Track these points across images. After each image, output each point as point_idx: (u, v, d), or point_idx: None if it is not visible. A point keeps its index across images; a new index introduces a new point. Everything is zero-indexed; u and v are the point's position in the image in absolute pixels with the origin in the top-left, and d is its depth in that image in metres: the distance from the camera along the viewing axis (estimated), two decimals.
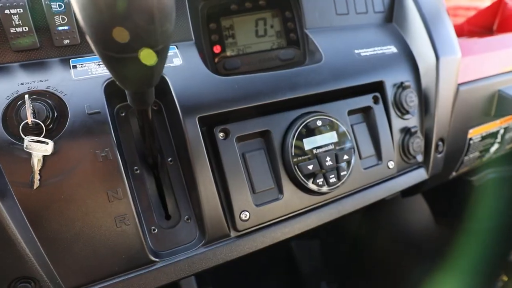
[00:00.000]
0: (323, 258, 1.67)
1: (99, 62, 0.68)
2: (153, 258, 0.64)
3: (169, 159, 0.71)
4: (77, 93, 0.62)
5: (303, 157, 0.73)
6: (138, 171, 0.69)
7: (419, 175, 0.94)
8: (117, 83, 0.42)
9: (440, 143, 0.94)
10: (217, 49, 0.85)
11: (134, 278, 0.62)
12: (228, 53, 0.86)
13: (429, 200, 1.58)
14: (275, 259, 1.66)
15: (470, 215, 1.51)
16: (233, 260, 0.69)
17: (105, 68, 0.67)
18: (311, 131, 0.75)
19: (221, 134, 0.69)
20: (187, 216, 0.70)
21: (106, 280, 0.61)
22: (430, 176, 0.96)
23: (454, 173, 1.13)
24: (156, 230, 0.68)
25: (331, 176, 0.75)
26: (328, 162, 0.75)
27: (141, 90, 0.44)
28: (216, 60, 0.85)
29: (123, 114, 0.70)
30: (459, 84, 0.97)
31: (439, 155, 0.95)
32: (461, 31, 1.35)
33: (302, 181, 0.73)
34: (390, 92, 0.88)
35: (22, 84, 0.60)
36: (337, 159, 0.76)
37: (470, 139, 1.07)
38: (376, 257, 1.62)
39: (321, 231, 1.67)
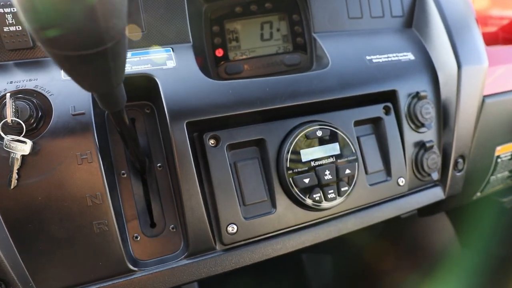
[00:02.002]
0: (335, 274, 1.59)
1: None
2: (131, 267, 0.61)
3: (158, 165, 0.68)
4: (64, 93, 0.60)
5: (299, 170, 0.68)
6: (125, 175, 0.66)
7: (435, 194, 0.85)
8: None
9: (460, 160, 0.85)
10: (219, 52, 0.82)
11: (110, 286, 0.60)
12: (231, 57, 0.82)
13: (454, 219, 1.46)
14: (284, 271, 1.60)
15: (499, 240, 1.38)
16: (218, 274, 0.65)
17: None
18: (310, 142, 0.70)
19: (211, 141, 0.66)
20: (172, 225, 0.67)
21: (81, 286, 0.58)
22: (449, 196, 0.88)
23: (479, 194, 1.02)
24: (139, 238, 0.65)
25: (329, 191, 0.69)
26: (327, 176, 0.69)
27: (103, 91, 0.41)
28: (218, 64, 0.82)
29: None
30: (485, 96, 0.88)
31: (458, 174, 0.86)
32: (495, 39, 1.24)
33: (297, 195, 0.67)
34: (403, 103, 0.81)
35: (11, 82, 0.59)
36: (337, 173, 0.70)
37: (498, 157, 0.97)
38: (392, 279, 1.52)
39: (333, 246, 1.59)
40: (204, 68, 0.79)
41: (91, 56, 0.33)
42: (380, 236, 1.54)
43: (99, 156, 0.59)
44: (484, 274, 1.42)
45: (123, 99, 0.46)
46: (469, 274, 1.41)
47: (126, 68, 0.67)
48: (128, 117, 0.69)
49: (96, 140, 0.59)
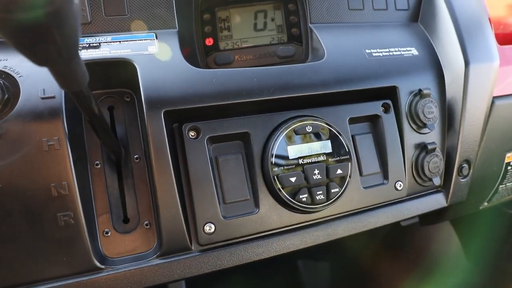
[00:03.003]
0: (332, 282, 1.52)
1: None
2: (98, 265, 0.56)
3: (135, 156, 0.64)
4: (34, 75, 0.57)
5: (285, 168, 0.63)
6: (98, 166, 0.62)
7: (436, 201, 0.79)
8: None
9: (465, 165, 0.79)
10: (209, 42, 0.78)
11: (73, 284, 0.55)
12: (222, 47, 0.78)
13: (460, 230, 1.38)
14: (280, 278, 1.54)
15: (508, 254, 1.29)
16: (192, 277, 0.60)
17: None
18: (298, 138, 0.64)
19: (191, 133, 0.61)
20: (147, 222, 0.62)
21: (40, 283, 0.54)
22: (452, 204, 0.81)
23: (485, 204, 0.95)
24: (110, 234, 0.61)
25: (318, 192, 0.64)
26: (316, 175, 0.64)
27: (54, 66, 0.37)
28: (207, 54, 0.77)
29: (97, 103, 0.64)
30: (495, 97, 0.81)
31: (462, 180, 0.80)
32: (509, 39, 1.17)
33: (282, 195, 0.62)
34: (404, 101, 0.75)
35: None
36: (328, 173, 0.65)
37: (508, 164, 0.90)
38: None
39: (331, 254, 1.53)
40: (192, 57, 0.74)
41: (31, 22, 0.28)
42: (380, 245, 1.47)
43: (68, 143, 0.55)
44: None
45: (83, 78, 0.41)
46: None
47: (103, 53, 0.64)
48: (106, 105, 0.66)
49: (65, 126, 0.55)
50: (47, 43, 0.33)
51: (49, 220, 0.54)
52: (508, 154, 0.89)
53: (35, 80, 0.56)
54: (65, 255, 0.55)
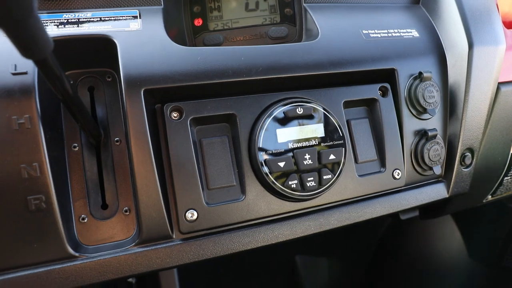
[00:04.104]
0: (331, 278, 1.48)
1: (49, 20, 0.59)
2: (72, 252, 0.53)
3: (116, 139, 0.60)
4: (5, 49, 0.53)
5: (274, 152, 0.59)
6: (76, 148, 0.59)
7: (437, 192, 0.74)
8: None
9: (468, 154, 0.74)
10: (198, 22, 0.74)
11: (44, 273, 0.52)
12: (211, 27, 0.74)
13: (462, 226, 1.33)
14: (277, 273, 1.50)
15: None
16: (173, 267, 0.57)
17: (53, 27, 0.58)
18: (288, 121, 0.60)
19: (174, 114, 0.57)
20: (126, 208, 0.59)
21: (8, 271, 0.51)
22: (454, 195, 0.77)
23: (489, 197, 0.90)
24: (87, 220, 0.57)
25: (309, 179, 0.60)
26: (307, 161, 0.60)
27: (4, 25, 0.33)
28: (196, 35, 0.74)
29: (71, 82, 0.61)
30: (501, 83, 0.76)
31: (465, 169, 0.75)
32: None
33: (269, 181, 0.58)
34: (403, 84, 0.70)
35: None
36: (319, 159, 0.61)
37: None
38: (392, 286, 1.40)
39: (329, 248, 1.48)
40: (180, 38, 0.71)
41: None
42: (380, 241, 1.43)
43: (40, 123, 0.51)
44: (493, 287, 1.29)
45: (44, 43, 0.38)
46: (477, 287, 1.28)
47: (82, 29, 0.61)
48: (87, 85, 0.63)
49: (38, 104, 0.52)
50: None
51: (18, 203, 0.50)
52: None
53: (5, 55, 0.53)
54: (36, 242, 0.52)
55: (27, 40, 0.36)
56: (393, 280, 1.40)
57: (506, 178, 0.88)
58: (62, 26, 0.59)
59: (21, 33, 0.35)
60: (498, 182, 0.88)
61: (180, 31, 0.72)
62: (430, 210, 0.92)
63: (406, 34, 0.74)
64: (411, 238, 1.39)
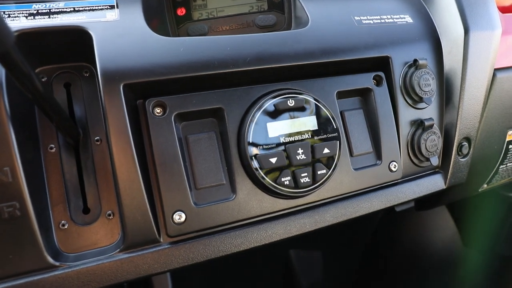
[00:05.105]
0: (325, 271, 1.47)
1: (17, 10, 0.55)
2: (52, 262, 0.49)
3: (96, 138, 0.56)
4: None
5: (265, 147, 0.56)
6: (53, 150, 0.55)
7: (434, 183, 0.72)
8: None
9: (465, 143, 0.72)
10: (181, 11, 0.70)
11: (22, 285, 0.48)
12: (195, 17, 0.70)
13: (456, 216, 1.33)
14: (271, 267, 1.48)
15: (506, 238, 1.24)
16: (161, 272, 0.53)
17: (21, 19, 0.54)
18: (279, 114, 0.57)
19: (157, 110, 0.54)
20: (109, 212, 0.55)
21: None
22: (450, 186, 0.75)
23: (485, 186, 0.89)
24: (67, 226, 0.53)
25: (302, 175, 0.57)
26: (300, 155, 0.57)
27: None
28: (179, 25, 0.69)
29: (44, 79, 0.57)
30: (497, 69, 0.74)
31: (462, 159, 0.73)
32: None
33: (261, 179, 0.55)
34: (398, 72, 0.68)
35: None
36: (313, 153, 0.58)
37: (510, 142, 0.83)
38: (387, 278, 1.39)
39: (323, 241, 1.47)
40: (162, 28, 0.67)
41: None
42: (374, 233, 1.41)
43: (10, 123, 0.47)
44: (488, 275, 1.30)
45: (3, 35, 0.34)
46: (472, 275, 1.28)
47: (54, 20, 0.56)
48: (62, 81, 0.58)
49: (7, 102, 0.48)
50: None
51: None
52: (510, 132, 0.83)
53: None
54: (11, 252, 0.48)
55: None
56: (388, 271, 1.40)
57: (501, 166, 0.87)
58: (32, 17, 0.54)
59: None
60: (493, 171, 0.86)
61: (162, 21, 0.68)
62: (426, 201, 0.90)
63: (400, 20, 0.71)
64: (405, 228, 1.38)
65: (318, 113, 0.59)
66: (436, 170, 0.74)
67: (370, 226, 1.39)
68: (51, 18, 0.55)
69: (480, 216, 1.27)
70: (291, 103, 0.57)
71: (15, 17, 0.54)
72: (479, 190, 0.90)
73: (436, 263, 1.33)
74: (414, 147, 0.68)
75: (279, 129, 0.57)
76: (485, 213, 1.25)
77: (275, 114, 0.57)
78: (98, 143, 0.56)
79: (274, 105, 0.56)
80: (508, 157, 0.86)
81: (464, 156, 0.73)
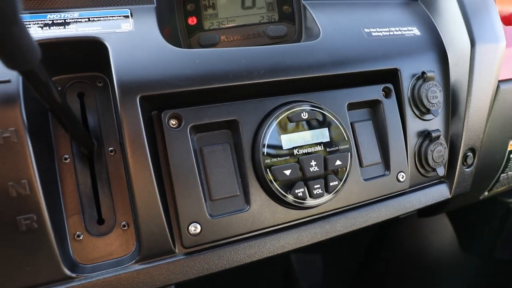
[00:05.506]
0: (326, 274, 1.48)
1: (32, 21, 0.54)
2: (69, 273, 0.49)
3: (110, 149, 0.57)
4: None
5: (279, 159, 0.56)
6: (67, 161, 0.55)
7: (439, 193, 0.74)
8: None
9: (470, 154, 0.74)
10: (192, 21, 0.70)
11: None
12: (206, 26, 0.70)
13: (455, 220, 1.35)
14: (272, 271, 1.49)
15: (503, 243, 1.27)
16: (177, 283, 0.54)
17: (37, 29, 0.54)
18: (293, 126, 0.58)
19: (172, 122, 0.54)
20: (124, 222, 0.55)
21: None
22: (455, 196, 0.76)
23: (486, 193, 0.91)
24: (82, 237, 0.53)
25: (315, 186, 0.58)
26: (313, 167, 0.58)
27: None
28: (190, 34, 0.70)
29: (59, 89, 0.56)
30: (501, 81, 0.76)
31: (467, 170, 0.75)
32: None
33: (276, 190, 0.56)
34: (406, 84, 0.69)
35: None
36: (326, 165, 0.59)
37: (511, 152, 0.85)
38: (387, 281, 1.41)
39: (324, 245, 1.48)
40: (173, 38, 0.67)
41: None
42: (374, 237, 1.43)
43: (28, 135, 0.47)
44: (485, 278, 1.32)
45: (30, 53, 0.34)
46: (470, 279, 1.30)
47: (69, 31, 0.56)
48: (76, 91, 0.58)
49: (24, 115, 0.47)
50: None
51: (7, 225, 0.46)
52: (511, 142, 0.85)
53: None
54: (28, 264, 0.48)
55: (11, 49, 0.32)
56: (387, 275, 1.42)
57: (502, 175, 0.89)
58: (47, 27, 0.54)
59: (3, 44, 0.31)
60: (495, 179, 0.88)
61: (174, 31, 0.68)
62: (428, 209, 0.92)
63: (408, 32, 0.72)
64: (405, 232, 1.40)
65: (330, 125, 0.60)
66: (442, 180, 0.75)
67: (370, 229, 1.41)
68: (66, 29, 0.55)
69: (478, 220, 1.30)
70: (304, 115, 0.58)
71: (29, 27, 0.54)
72: (480, 198, 0.92)
73: (435, 267, 1.35)
74: (421, 157, 0.70)
75: (292, 141, 0.57)
76: (483, 218, 1.28)
77: (289, 126, 0.57)
78: (112, 153, 0.56)
79: (288, 117, 0.57)
80: (509, 166, 0.88)
81: (469, 166, 0.75)
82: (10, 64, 0.34)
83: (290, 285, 1.50)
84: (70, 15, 0.57)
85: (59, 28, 0.54)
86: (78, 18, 0.56)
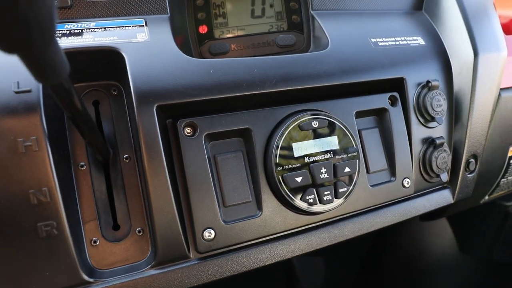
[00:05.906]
0: (326, 276, 1.50)
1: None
2: (86, 278, 0.50)
3: (125, 156, 0.58)
4: (7, 66, 0.50)
5: (290, 166, 0.58)
6: (84, 168, 0.56)
7: (443, 198, 0.76)
8: None
9: (472, 160, 0.76)
10: (203, 29, 0.71)
11: None
12: (217, 35, 0.72)
13: (454, 223, 1.37)
14: (274, 274, 1.51)
15: (502, 246, 1.29)
16: None
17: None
18: (304, 134, 0.59)
19: (187, 130, 0.55)
20: (139, 228, 0.56)
21: None
22: (458, 201, 0.78)
23: (486, 197, 0.93)
24: (98, 243, 0.55)
25: (325, 193, 0.59)
26: (323, 174, 0.59)
27: (21, 52, 0.30)
28: (201, 42, 0.71)
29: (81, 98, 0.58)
30: (502, 89, 0.78)
31: (469, 175, 0.77)
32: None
33: (287, 196, 0.57)
34: (412, 93, 0.71)
35: None
36: (335, 172, 0.60)
37: (511, 157, 0.87)
38: (387, 283, 1.43)
39: (325, 248, 1.50)
40: (185, 46, 0.68)
41: None
42: (375, 239, 1.45)
43: (48, 144, 0.48)
44: (484, 281, 1.35)
45: (62, 68, 0.35)
46: (470, 282, 1.32)
47: (86, 40, 0.57)
48: (91, 99, 0.59)
49: (45, 124, 0.49)
50: (17, 25, 0.27)
51: (28, 231, 0.47)
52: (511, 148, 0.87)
53: (7, 72, 0.49)
54: (48, 270, 0.49)
55: (45, 66, 0.33)
56: (388, 277, 1.44)
57: (502, 180, 0.91)
58: (65, 37, 0.55)
59: (39, 60, 0.32)
60: (495, 184, 0.90)
61: (185, 39, 0.69)
62: (430, 213, 0.94)
63: (413, 42, 0.74)
64: (405, 235, 1.42)
65: (340, 133, 0.62)
66: (445, 185, 0.77)
67: (371, 232, 1.43)
68: (83, 38, 0.56)
69: (477, 224, 1.32)
70: (315, 124, 0.60)
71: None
72: (481, 202, 0.94)
73: (434, 270, 1.37)
74: (425, 164, 0.71)
75: (303, 149, 0.59)
76: (482, 221, 1.30)
77: (300, 134, 0.59)
78: (127, 161, 0.58)
79: (299, 126, 0.59)
80: (509, 171, 0.91)
81: (471, 172, 0.77)
82: (42, 80, 0.35)
83: (291, 286, 1.51)
84: (87, 25, 0.58)
85: (77, 38, 0.56)
86: (94, 28, 0.58)
